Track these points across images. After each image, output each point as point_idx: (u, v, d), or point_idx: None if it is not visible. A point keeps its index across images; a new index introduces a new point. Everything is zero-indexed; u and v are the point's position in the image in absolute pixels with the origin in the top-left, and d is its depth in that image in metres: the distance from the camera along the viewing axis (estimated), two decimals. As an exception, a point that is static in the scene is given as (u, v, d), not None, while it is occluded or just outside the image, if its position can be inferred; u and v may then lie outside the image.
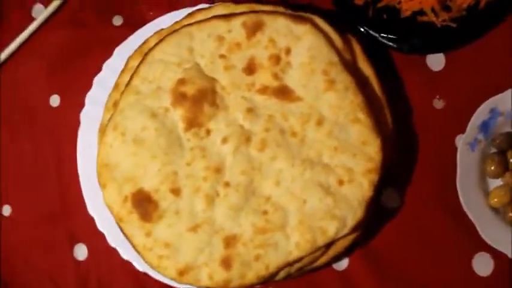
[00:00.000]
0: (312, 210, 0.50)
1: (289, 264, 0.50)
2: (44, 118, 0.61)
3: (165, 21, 0.58)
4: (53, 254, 0.59)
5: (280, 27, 0.53)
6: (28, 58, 0.62)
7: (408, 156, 0.55)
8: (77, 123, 0.59)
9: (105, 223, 0.57)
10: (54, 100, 0.62)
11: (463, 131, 0.54)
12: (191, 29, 0.55)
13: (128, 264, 0.56)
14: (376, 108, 0.53)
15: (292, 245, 0.50)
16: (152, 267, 0.52)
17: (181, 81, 0.54)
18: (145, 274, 0.55)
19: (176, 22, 0.57)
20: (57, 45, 0.62)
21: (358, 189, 0.50)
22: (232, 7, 0.55)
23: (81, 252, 0.59)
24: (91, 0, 0.62)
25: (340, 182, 0.50)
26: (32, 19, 0.62)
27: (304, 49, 0.52)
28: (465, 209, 0.51)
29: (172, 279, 0.52)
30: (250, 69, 0.53)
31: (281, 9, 0.55)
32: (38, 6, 0.63)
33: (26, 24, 0.62)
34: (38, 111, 0.61)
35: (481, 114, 0.52)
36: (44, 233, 0.59)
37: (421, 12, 0.55)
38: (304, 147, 0.51)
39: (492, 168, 0.52)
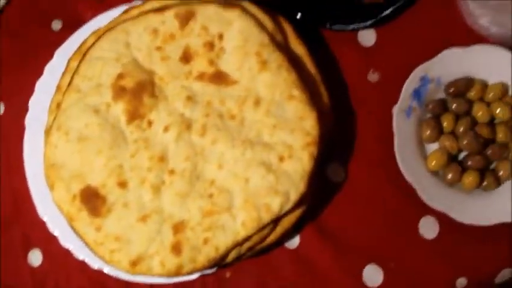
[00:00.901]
0: (256, 189, 0.51)
1: (239, 244, 0.51)
2: (-11, 127, 0.61)
3: (102, 20, 0.59)
4: (7, 262, 0.59)
5: (212, 14, 0.54)
6: (-32, 68, 0.62)
7: (349, 130, 0.57)
8: (22, 129, 0.59)
9: (56, 225, 0.57)
10: (-1, 108, 0.62)
11: (398, 101, 0.55)
12: (126, 25, 0.56)
13: (84, 264, 0.56)
14: (312, 85, 0.54)
15: (239, 224, 0.51)
16: (105, 261, 0.52)
17: (120, 76, 0.54)
18: (101, 271, 0.55)
19: (112, 20, 0.58)
20: (-1, 52, 0.62)
21: (299, 163, 0.51)
22: (164, 1, 0.57)
23: (35, 257, 0.59)
24: (28, 8, 0.62)
25: (281, 159, 0.51)
26: (-30, 29, 0.63)
27: (236, 33, 0.53)
28: (405, 174, 0.53)
29: (125, 271, 0.52)
30: (186, 58, 0.54)
31: (211, -2, 0.56)
32: (-24, 16, 0.63)
33: (-37, 34, 0.62)
34: (-17, 120, 0.61)
35: (412, 82, 0.54)
36: (-3, 241, 0.59)
37: (349, -10, 0.57)
38: (243, 128, 0.52)
39: (428, 133, 0.54)
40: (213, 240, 0.51)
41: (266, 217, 0.50)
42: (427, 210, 0.53)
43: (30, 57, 0.61)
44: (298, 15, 0.57)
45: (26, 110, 0.59)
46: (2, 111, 0.62)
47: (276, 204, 0.50)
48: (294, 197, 0.51)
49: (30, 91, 0.59)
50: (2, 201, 0.60)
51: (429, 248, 0.54)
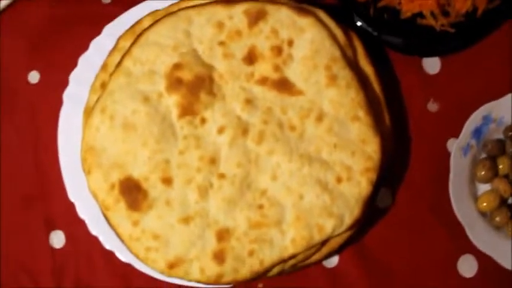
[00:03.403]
0: (309, 207, 0.49)
1: (284, 260, 0.49)
2: (22, 95, 0.57)
3: (160, 2, 0.56)
4: (28, 240, 0.55)
5: (284, 18, 0.52)
6: (6, 30, 0.57)
7: (402, 157, 0.56)
8: (57, 103, 0.55)
9: (86, 210, 0.54)
10: (33, 76, 0.57)
11: (454, 134, 0.55)
12: (190, 13, 0.52)
13: (110, 255, 0.54)
14: (376, 107, 0.53)
15: (288, 241, 0.49)
16: (139, 258, 0.50)
17: (177, 66, 0.51)
18: (128, 265, 0.53)
19: (173, 4, 0.54)
20: (39, 18, 0.58)
21: (356, 187, 0.50)
22: (233, -7, 0.54)
23: (57, 239, 0.56)
24: (78, -26, 0.58)
25: (339, 180, 0.50)
26: (12, -12, 0.58)
27: (307, 42, 0.51)
28: (456, 212, 0.52)
29: (161, 272, 0.49)
30: (250, 58, 0.51)
31: (283, -1, 0.54)
32: (18, -25, 0.58)
33: (5, -7, 0.57)
34: (15, 87, 0.57)
35: (474, 120, 0.53)
36: (18, 218, 0.56)
37: (421, 15, 0.55)
38: (302, 142, 0.51)
39: (482, 173, 0.53)
40: (258, 253, 0.49)
41: (317, 237, 0.49)
42: (468, 248, 0.53)
43: (74, 27, 0.58)
44: (364, 27, 0.55)
45: (63, 83, 0.56)
46: (36, 80, 0.58)
47: (329, 226, 0.49)
48: (348, 221, 0.49)
49: (68, 64, 0.56)
50: (28, 177, 0.56)
51: (466, 286, 0.54)
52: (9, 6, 0.57)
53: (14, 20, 0.58)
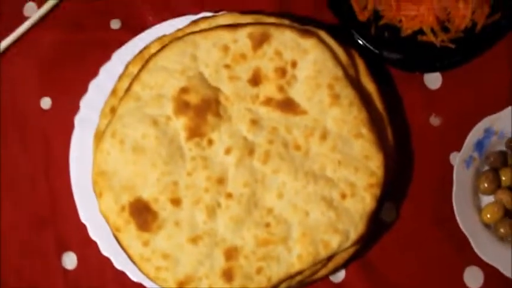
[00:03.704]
0: (315, 224, 0.51)
1: (291, 276, 0.51)
2: (34, 120, 0.59)
3: (167, 27, 0.57)
4: (40, 261, 0.57)
5: (287, 40, 0.53)
6: (19, 58, 0.59)
7: (405, 171, 0.57)
8: (68, 127, 0.57)
9: (97, 231, 0.56)
10: (45, 102, 0.59)
11: (457, 148, 0.55)
12: (196, 37, 0.54)
13: (121, 275, 0.55)
14: (378, 124, 0.54)
15: (294, 257, 0.50)
16: (149, 278, 0.51)
17: (185, 90, 0.53)
18: (140, 285, 0.54)
19: (179, 29, 0.56)
20: (50, 46, 0.60)
21: (360, 203, 0.51)
22: (237, 17, 0.55)
23: (69, 260, 0.57)
24: (88, 2, 0.60)
25: (343, 196, 0.51)
26: (24, 18, 0.60)
27: (310, 63, 0.53)
28: (461, 225, 0.53)
29: (170, 290, 0.51)
30: (255, 80, 0.53)
31: (286, 21, 0.55)
32: (30, 5, 0.61)
33: (17, 23, 0.60)
34: (28, 113, 0.59)
35: (476, 133, 0.54)
36: (30, 239, 0.57)
37: (421, 32, 0.57)
38: (307, 160, 0.52)
39: (485, 185, 0.54)
40: (266, 270, 0.50)
41: (323, 253, 0.50)
42: (474, 260, 0.54)
43: (84, 54, 0.60)
44: (365, 45, 0.56)
45: (75, 108, 0.57)
46: (48, 106, 0.59)
47: (334, 242, 0.50)
48: (353, 236, 0.50)
49: (79, 89, 0.58)
50: (40, 199, 0.58)
51: (473, 299, 0.55)
52: (21, 34, 0.60)
53: (26, 47, 0.60)
